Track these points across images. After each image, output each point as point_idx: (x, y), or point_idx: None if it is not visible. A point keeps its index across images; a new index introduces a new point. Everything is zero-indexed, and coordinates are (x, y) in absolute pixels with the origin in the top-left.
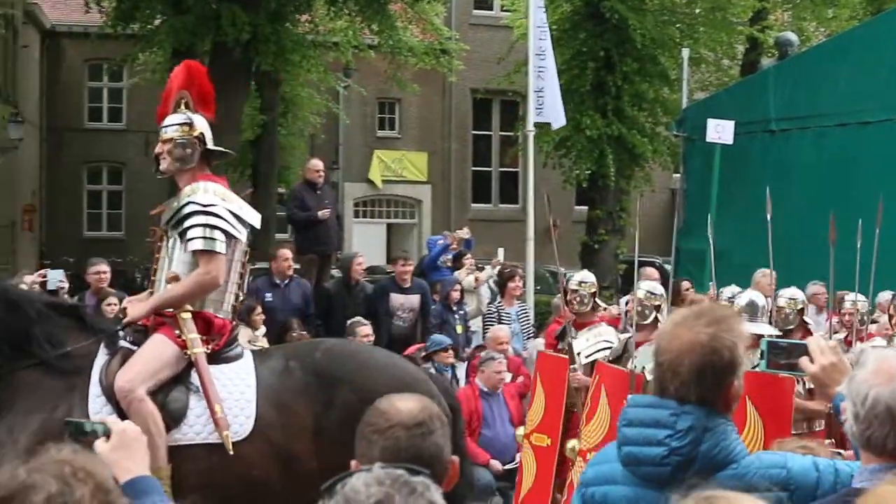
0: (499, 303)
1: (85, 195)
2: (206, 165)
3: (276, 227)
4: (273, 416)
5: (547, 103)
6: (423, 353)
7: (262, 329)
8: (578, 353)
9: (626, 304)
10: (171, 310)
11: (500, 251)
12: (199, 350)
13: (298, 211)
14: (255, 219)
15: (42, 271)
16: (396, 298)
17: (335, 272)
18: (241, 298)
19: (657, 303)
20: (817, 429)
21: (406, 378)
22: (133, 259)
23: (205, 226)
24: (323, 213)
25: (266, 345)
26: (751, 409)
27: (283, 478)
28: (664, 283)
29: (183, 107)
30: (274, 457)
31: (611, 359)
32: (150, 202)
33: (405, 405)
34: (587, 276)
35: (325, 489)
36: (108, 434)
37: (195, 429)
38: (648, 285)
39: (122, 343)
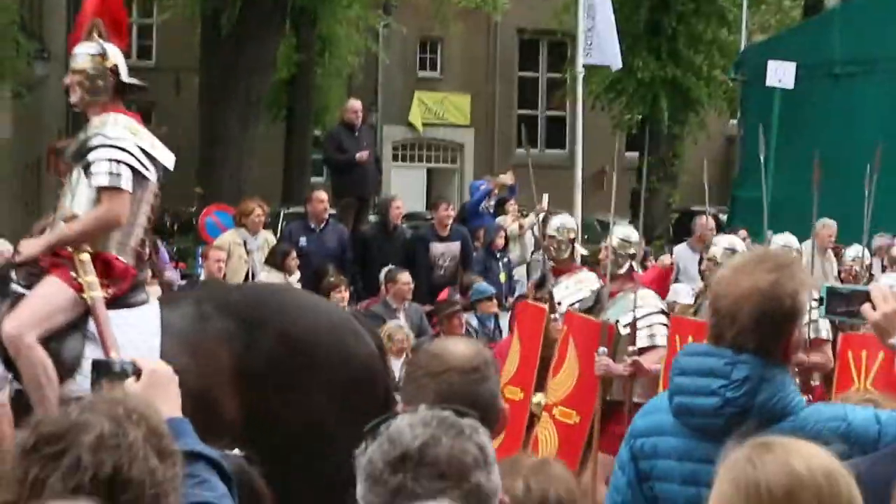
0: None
1: None
2: (120, 99)
3: (311, 170)
4: (187, 362)
5: (599, 44)
6: (462, 303)
7: (297, 274)
8: (559, 302)
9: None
10: (68, 249)
11: (545, 197)
12: (96, 294)
13: (336, 153)
14: (168, 159)
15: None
16: (436, 248)
17: (372, 218)
18: (145, 243)
19: (632, 251)
20: (814, 383)
21: (330, 318)
22: (163, 205)
23: (111, 160)
24: (361, 156)
25: None
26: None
27: (205, 423)
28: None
29: (96, 35)
30: (191, 404)
31: (582, 310)
32: (181, 145)
33: (459, 349)
34: (567, 220)
35: (368, 430)
36: (137, 374)
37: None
38: (623, 231)
39: (14, 286)
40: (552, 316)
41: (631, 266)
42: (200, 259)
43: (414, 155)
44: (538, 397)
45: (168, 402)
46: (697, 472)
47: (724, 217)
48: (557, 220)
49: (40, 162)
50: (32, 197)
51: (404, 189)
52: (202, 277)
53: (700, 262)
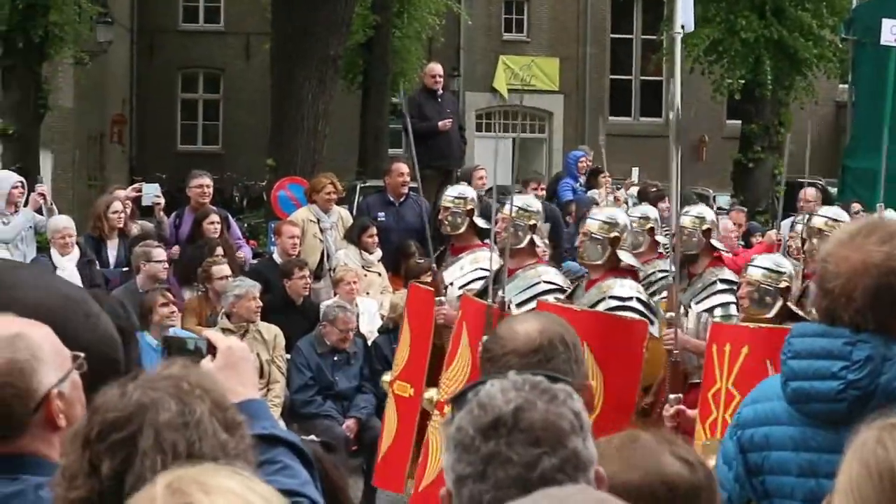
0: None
1: (179, 104)
2: None
3: (389, 139)
4: None
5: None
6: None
7: (378, 253)
8: (450, 284)
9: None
10: None
11: (635, 171)
12: None
13: (416, 121)
14: None
15: (137, 185)
16: None
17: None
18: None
19: (532, 221)
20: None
21: (62, 297)
22: (232, 175)
23: None
24: (444, 124)
25: (381, 271)
26: (588, 354)
27: None
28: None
29: None
30: None
31: (479, 290)
32: (250, 112)
33: (524, 328)
34: (466, 190)
35: (455, 398)
36: (212, 351)
37: None
38: (522, 200)
39: None
40: (438, 299)
41: (532, 240)
42: (273, 236)
43: (499, 124)
44: (430, 393)
45: (245, 382)
46: (816, 463)
47: (833, 189)
48: (455, 190)
49: (103, 136)
50: (96, 172)
51: (489, 160)
52: (275, 255)
53: (803, 243)
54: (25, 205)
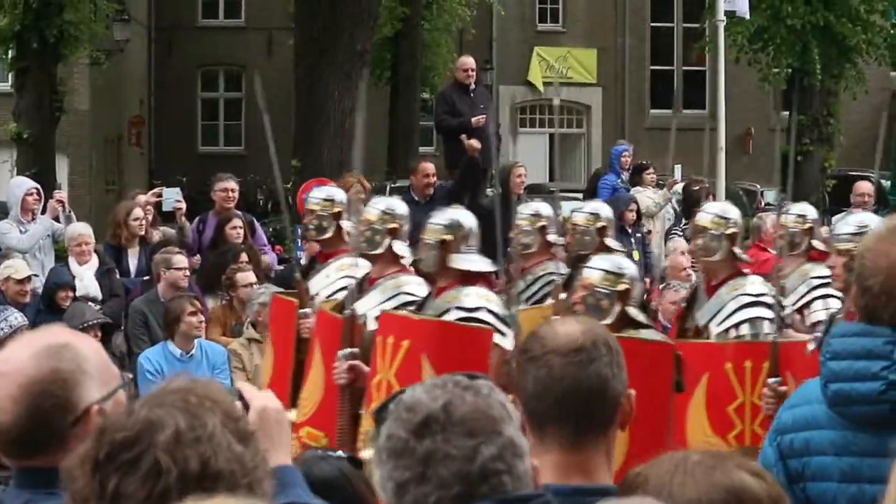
0: (685, 225)
1: (199, 104)
2: None
3: (419, 137)
4: None
5: None
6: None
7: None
8: (317, 294)
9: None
10: None
11: (678, 169)
12: None
13: (448, 117)
14: None
15: (157, 189)
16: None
17: (490, 192)
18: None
19: (392, 225)
20: None
21: None
22: (255, 177)
23: None
24: (477, 120)
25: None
26: (428, 368)
27: None
28: (879, 200)
29: None
30: None
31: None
32: (274, 111)
33: (565, 329)
34: (332, 192)
35: (377, 412)
36: (245, 406)
37: None
38: (385, 203)
39: None
40: (303, 311)
41: (391, 245)
42: (300, 241)
43: (535, 119)
44: (291, 414)
45: (278, 446)
46: (858, 467)
47: (886, 183)
48: (322, 192)
49: (120, 138)
50: (114, 176)
51: (525, 157)
52: (302, 261)
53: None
54: (42, 212)
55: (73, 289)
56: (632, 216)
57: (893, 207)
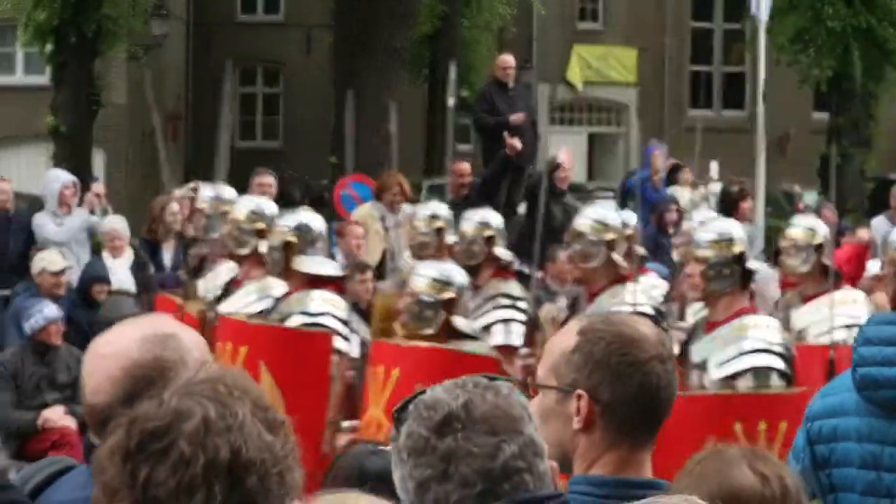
0: None
1: (237, 100)
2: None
3: (456, 136)
4: None
5: None
6: None
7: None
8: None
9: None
10: None
11: (714, 165)
12: None
13: (486, 115)
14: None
15: (192, 184)
16: None
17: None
18: None
19: (260, 226)
20: None
21: None
22: (292, 174)
23: None
24: (516, 118)
25: None
26: (265, 373)
27: None
28: None
29: None
30: None
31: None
32: (311, 107)
33: (647, 331)
34: (224, 190)
35: (396, 412)
36: None
37: None
38: (254, 204)
39: None
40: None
41: (256, 246)
42: (335, 237)
43: (573, 118)
44: None
45: None
46: (878, 455)
47: None
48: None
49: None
50: (150, 167)
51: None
52: (338, 257)
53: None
54: (79, 205)
55: (109, 283)
56: (672, 217)
57: None
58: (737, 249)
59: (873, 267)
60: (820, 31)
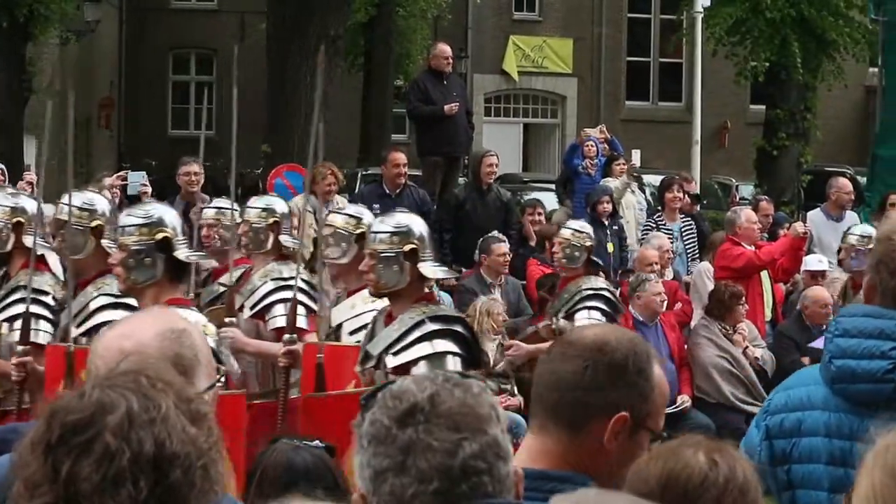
0: (659, 216)
1: (170, 87)
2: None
3: (392, 125)
4: None
5: None
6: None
7: None
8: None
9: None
10: None
11: (636, 154)
12: None
13: (421, 105)
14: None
15: (122, 173)
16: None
17: (462, 181)
18: None
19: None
20: None
21: None
22: (225, 162)
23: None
24: (450, 108)
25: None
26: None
27: None
28: (857, 197)
29: None
30: None
31: None
32: (246, 95)
33: (613, 334)
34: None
35: (365, 398)
36: None
37: None
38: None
39: None
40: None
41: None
42: None
43: (509, 108)
44: None
45: None
46: (848, 451)
47: (863, 179)
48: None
49: (90, 121)
50: (83, 158)
51: (498, 147)
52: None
53: (839, 251)
54: None
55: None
56: (605, 208)
57: (869, 204)
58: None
59: (811, 261)
60: (757, 21)
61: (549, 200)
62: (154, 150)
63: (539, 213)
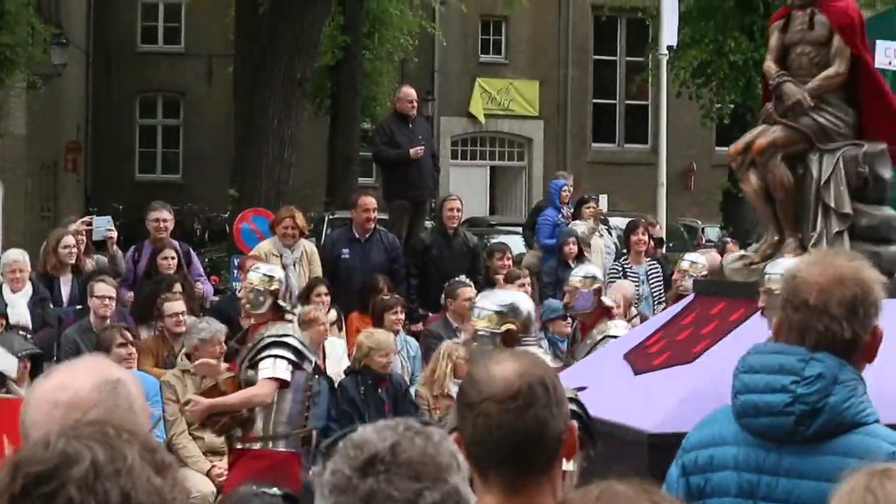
0: (625, 260)
1: (137, 130)
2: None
3: (359, 169)
4: None
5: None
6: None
7: (332, 315)
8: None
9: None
10: None
11: (603, 198)
12: None
13: (387, 148)
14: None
15: (87, 218)
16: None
17: (429, 224)
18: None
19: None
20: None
21: None
22: (192, 207)
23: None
24: (416, 152)
25: (336, 336)
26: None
27: None
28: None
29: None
30: None
31: None
32: (212, 139)
33: (501, 372)
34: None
35: (327, 446)
36: None
37: None
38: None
39: None
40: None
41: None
42: (236, 271)
43: (476, 151)
44: None
45: None
46: (755, 484)
47: None
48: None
49: (57, 164)
50: (49, 199)
51: (465, 190)
52: (238, 292)
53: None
54: None
55: (6, 317)
56: (571, 250)
57: None
58: None
59: None
60: (722, 64)
61: (516, 243)
62: (121, 194)
63: (508, 258)
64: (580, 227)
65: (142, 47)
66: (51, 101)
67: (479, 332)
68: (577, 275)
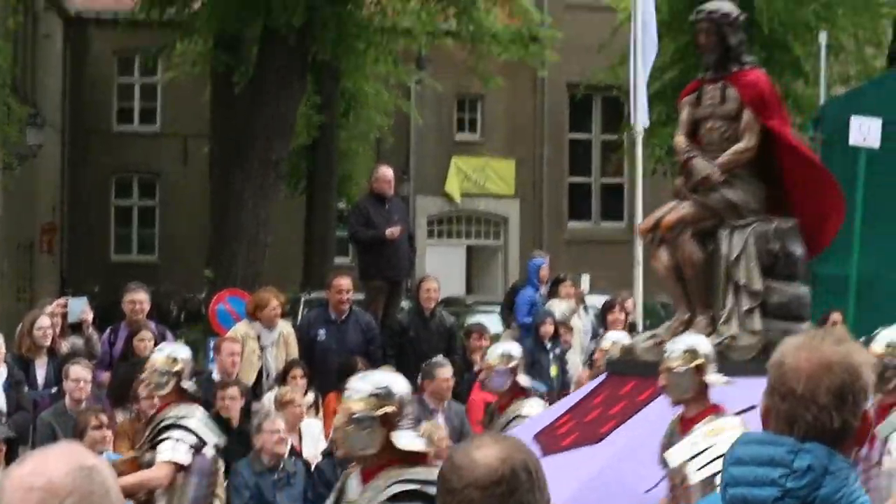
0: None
1: (112, 211)
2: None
3: (335, 249)
4: None
5: (641, 99)
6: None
7: (309, 397)
8: None
9: None
10: None
11: (585, 278)
12: None
13: (363, 229)
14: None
15: (62, 300)
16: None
17: (405, 304)
18: None
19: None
20: None
21: None
22: (168, 288)
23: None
24: (392, 232)
25: (313, 418)
26: None
27: None
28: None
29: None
30: None
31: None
32: (188, 219)
33: (484, 457)
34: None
35: None
36: None
37: None
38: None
39: None
40: None
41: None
42: (212, 353)
43: (452, 230)
44: None
45: None
46: None
47: None
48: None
49: (32, 245)
50: (24, 281)
51: (441, 269)
52: (214, 374)
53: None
54: None
55: None
56: (547, 330)
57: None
58: None
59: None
60: None
61: (494, 322)
62: (96, 275)
63: (485, 338)
64: (558, 307)
65: (118, 128)
66: (26, 182)
67: (355, 416)
68: (494, 353)
